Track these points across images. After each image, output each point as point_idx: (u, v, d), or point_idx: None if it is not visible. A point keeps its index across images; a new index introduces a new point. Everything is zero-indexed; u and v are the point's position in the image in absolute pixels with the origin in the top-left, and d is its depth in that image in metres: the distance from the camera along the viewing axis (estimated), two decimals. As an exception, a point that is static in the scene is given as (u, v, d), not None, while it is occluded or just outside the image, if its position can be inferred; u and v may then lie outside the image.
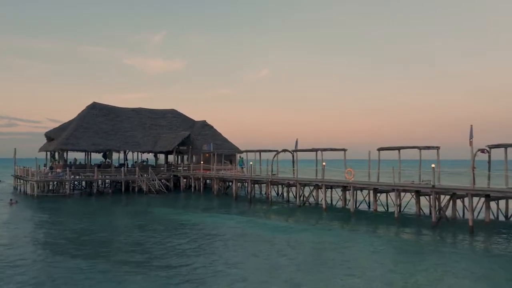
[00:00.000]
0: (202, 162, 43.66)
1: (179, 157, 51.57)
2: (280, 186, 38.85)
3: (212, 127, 55.48)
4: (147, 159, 52.25)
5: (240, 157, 44.47)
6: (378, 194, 28.55)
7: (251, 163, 38.32)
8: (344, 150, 33.78)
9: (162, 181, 44.66)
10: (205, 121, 55.73)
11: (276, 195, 39.49)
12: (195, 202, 36.52)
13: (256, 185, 39.58)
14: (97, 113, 48.69)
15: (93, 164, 46.57)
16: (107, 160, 48.13)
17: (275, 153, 39.74)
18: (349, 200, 28.69)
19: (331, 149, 34.38)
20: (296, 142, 38.17)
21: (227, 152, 47.37)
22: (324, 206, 29.47)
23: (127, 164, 47.34)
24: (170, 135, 49.22)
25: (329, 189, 33.55)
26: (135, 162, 51.72)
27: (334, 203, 33.41)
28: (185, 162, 49.66)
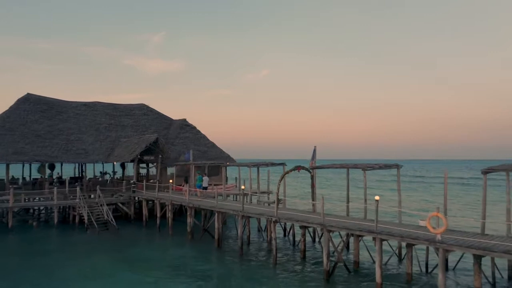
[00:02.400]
0: (170, 181, 29.40)
1: (147, 170, 37.54)
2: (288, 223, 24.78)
3: (194, 127, 41.48)
4: (115, 171, 38.32)
5: (198, 173, 29.55)
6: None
7: (241, 185, 24.35)
8: (398, 166, 19.92)
9: (119, 205, 30.77)
10: (185, 119, 41.74)
11: (284, 237, 25.54)
12: (145, 260, 22.20)
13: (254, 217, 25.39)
14: (30, 108, 34.66)
15: (20, 181, 32.59)
16: (50, 174, 34.33)
17: (283, 168, 25.92)
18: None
19: (369, 167, 20.43)
20: (314, 151, 24.40)
21: (213, 163, 33.09)
22: (378, 278, 15.31)
23: (84, 178, 33.58)
24: (133, 139, 35.16)
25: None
26: (100, 174, 37.89)
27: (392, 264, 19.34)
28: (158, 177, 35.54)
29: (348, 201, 21.04)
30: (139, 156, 32.58)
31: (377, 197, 15.48)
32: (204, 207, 24.27)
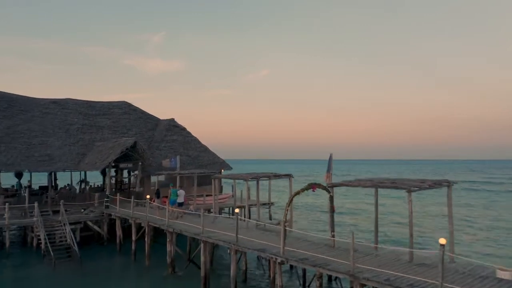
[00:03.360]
0: (149, 198, 23.64)
1: (126, 180, 32.01)
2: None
3: (183, 129, 35.94)
4: (85, 181, 32.77)
5: (171, 186, 23.11)
6: None
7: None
8: (449, 184, 14.50)
9: (89, 224, 25.25)
10: (173, 119, 36.19)
11: (291, 269, 20.02)
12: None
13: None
14: (-14, 106, 29.08)
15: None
16: (17, 184, 28.93)
17: (289, 181, 20.59)
18: None
19: (415, 186, 14.91)
20: (330, 160, 19.09)
21: (202, 173, 27.37)
22: None
23: (51, 189, 28.17)
24: (107, 143, 29.58)
25: None
26: (70, 184, 32.51)
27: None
28: (138, 188, 30.01)
29: (377, 229, 15.62)
30: (113, 164, 27.02)
31: (442, 240, 9.98)
32: (186, 233, 18.70)
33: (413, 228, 13.20)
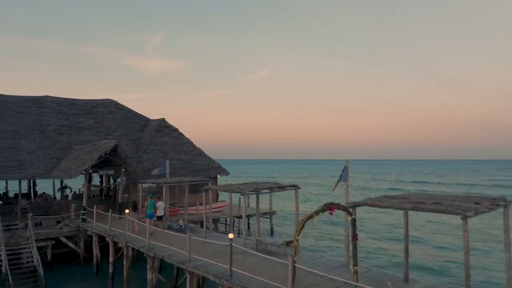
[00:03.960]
0: (127, 211, 19.94)
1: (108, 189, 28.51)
2: None
3: (175, 129, 32.46)
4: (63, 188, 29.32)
5: (149, 196, 19.40)
6: None
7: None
8: (507, 203, 10.99)
9: (62, 240, 21.77)
10: (163, 119, 32.68)
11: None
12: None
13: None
14: (-51, 104, 25.55)
15: None
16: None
17: (295, 192, 17.15)
18: None
19: (470, 209, 11.36)
20: (345, 169, 15.82)
21: (193, 181, 23.70)
22: None
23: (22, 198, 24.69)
24: (85, 147, 26.03)
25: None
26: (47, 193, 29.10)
27: None
28: (120, 197, 26.48)
29: (407, 260, 12.21)
30: (91, 171, 23.51)
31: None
32: (170, 260, 15.18)
33: (469, 268, 9.70)
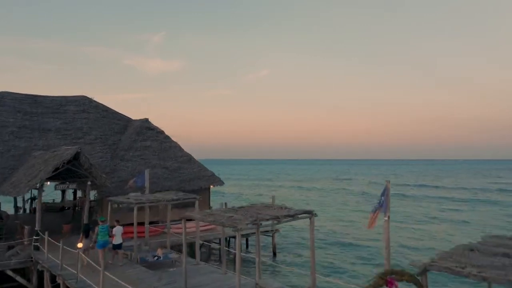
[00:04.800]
0: (79, 245, 14.91)
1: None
2: None
3: (161, 132, 27.56)
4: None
5: (101, 220, 14.65)
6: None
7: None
8: None
9: (8, 273, 16.89)
10: (146, 120, 27.76)
11: None
12: None
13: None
14: None
15: None
16: None
17: (310, 221, 12.21)
18: None
19: None
20: (386, 191, 10.76)
21: (176, 200, 18.58)
22: None
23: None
24: (45, 154, 20.98)
25: None
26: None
27: None
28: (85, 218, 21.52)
29: None
30: (45, 184, 18.56)
31: None
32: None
33: None
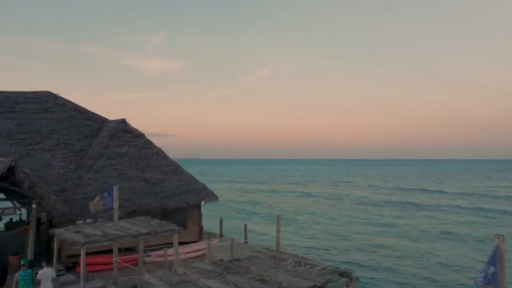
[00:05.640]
0: None
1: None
2: None
3: (140, 135, 22.60)
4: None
5: (23, 263, 10.18)
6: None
7: None
8: None
9: None
10: (123, 120, 22.77)
11: None
12: None
13: None
14: None
15: None
16: None
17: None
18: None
19: None
20: (497, 252, 5.11)
21: (149, 233, 13.59)
22: None
23: None
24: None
25: None
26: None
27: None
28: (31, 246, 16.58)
29: None
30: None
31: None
32: None
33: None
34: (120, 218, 18.03)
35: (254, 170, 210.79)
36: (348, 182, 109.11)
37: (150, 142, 22.50)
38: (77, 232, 12.05)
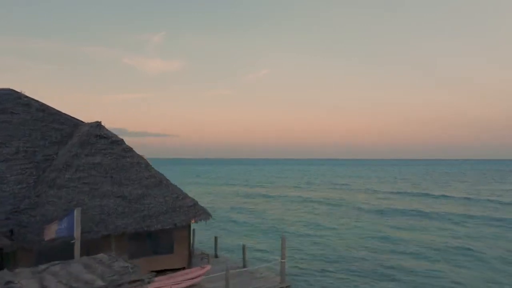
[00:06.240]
0: None
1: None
2: None
3: (118, 142, 19.01)
4: None
5: None
6: None
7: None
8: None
9: None
10: (97, 124, 19.16)
11: None
12: None
13: None
14: None
15: None
16: None
17: None
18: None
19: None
20: None
21: (121, 284, 10.06)
22: None
23: None
24: None
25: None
26: None
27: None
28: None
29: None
30: None
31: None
32: None
33: None
34: (86, 246, 14.53)
35: (254, 170, 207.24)
36: (348, 184, 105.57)
37: (130, 150, 18.93)
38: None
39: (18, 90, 19.74)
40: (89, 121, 20.03)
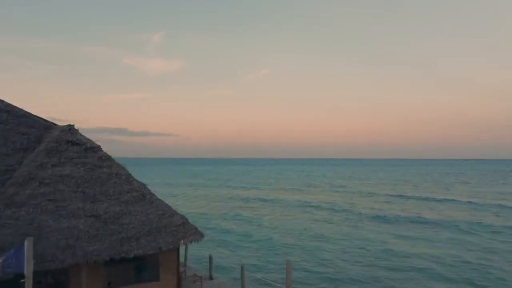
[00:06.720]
0: None
1: None
2: None
3: (94, 149, 16.14)
4: None
5: None
6: None
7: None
8: None
9: None
10: (70, 128, 16.32)
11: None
12: None
13: None
14: None
15: None
16: None
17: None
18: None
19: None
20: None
21: None
22: None
23: None
24: None
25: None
26: None
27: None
28: None
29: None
30: None
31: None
32: None
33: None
34: (45, 281, 11.72)
35: (254, 170, 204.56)
36: (348, 186, 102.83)
37: (108, 158, 16.10)
38: None
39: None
40: (72, 122, 17.04)
